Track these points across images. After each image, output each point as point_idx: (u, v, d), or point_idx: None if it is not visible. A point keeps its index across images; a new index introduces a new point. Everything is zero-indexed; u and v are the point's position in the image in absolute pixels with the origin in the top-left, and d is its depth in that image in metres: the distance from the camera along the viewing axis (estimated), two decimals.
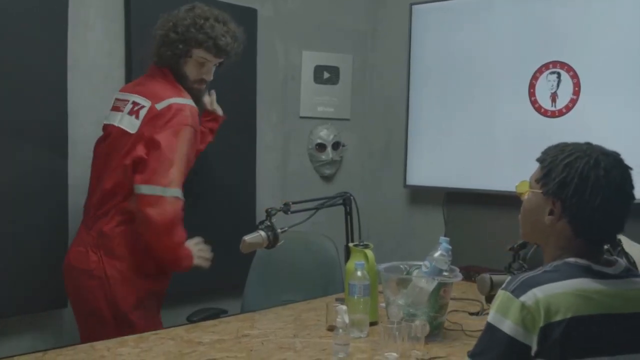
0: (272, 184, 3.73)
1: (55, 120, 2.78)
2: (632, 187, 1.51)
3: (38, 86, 2.72)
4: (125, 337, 2.12)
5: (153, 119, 2.44)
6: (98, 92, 2.92)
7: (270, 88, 3.70)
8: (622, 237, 2.29)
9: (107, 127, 2.59)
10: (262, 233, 2.29)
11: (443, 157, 3.66)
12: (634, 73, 3.01)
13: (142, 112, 2.47)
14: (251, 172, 3.59)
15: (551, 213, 1.52)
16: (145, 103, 2.48)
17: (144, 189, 2.37)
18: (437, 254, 2.13)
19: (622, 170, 1.50)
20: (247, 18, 3.51)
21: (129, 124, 2.48)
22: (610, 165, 1.48)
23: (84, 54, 2.92)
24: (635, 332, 1.46)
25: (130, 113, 2.50)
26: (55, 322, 2.90)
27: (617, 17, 3.06)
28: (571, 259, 1.49)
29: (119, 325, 2.40)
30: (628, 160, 3.09)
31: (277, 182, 3.78)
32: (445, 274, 2.14)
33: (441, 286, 2.12)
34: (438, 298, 2.12)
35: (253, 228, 2.32)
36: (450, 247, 2.15)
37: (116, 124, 2.52)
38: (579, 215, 1.48)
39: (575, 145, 1.53)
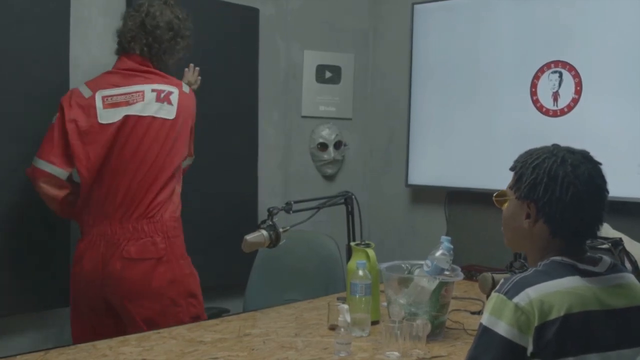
0: (273, 183, 3.73)
1: None
2: (603, 180, 1.53)
3: (39, 84, 2.72)
4: (127, 336, 2.12)
5: (186, 101, 2.61)
6: None
7: (272, 87, 3.70)
8: (624, 237, 2.29)
9: (118, 122, 2.52)
10: (264, 232, 2.29)
11: (445, 156, 3.66)
12: (635, 72, 3.01)
13: (174, 98, 2.58)
14: (253, 172, 3.59)
15: (528, 217, 1.55)
16: (172, 89, 2.59)
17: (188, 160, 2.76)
18: (438, 253, 2.13)
19: (590, 165, 1.53)
20: (249, 17, 3.52)
21: (166, 112, 2.55)
22: (577, 161, 1.51)
23: (86, 52, 2.92)
24: (628, 327, 1.48)
25: (161, 100, 2.56)
26: (57, 321, 2.90)
27: (618, 16, 3.06)
28: (557, 257, 1.51)
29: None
30: (630, 159, 3.10)
31: (279, 182, 3.78)
32: (446, 273, 2.13)
33: (443, 285, 2.11)
34: (439, 297, 2.12)
35: (255, 227, 2.32)
36: (451, 246, 2.15)
37: (148, 115, 2.53)
38: (553, 213, 1.50)
39: (543, 148, 1.57)
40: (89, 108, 2.53)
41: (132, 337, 2.11)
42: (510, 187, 1.60)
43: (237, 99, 3.46)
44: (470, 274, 2.86)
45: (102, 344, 2.02)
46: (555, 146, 1.56)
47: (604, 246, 2.11)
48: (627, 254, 2.10)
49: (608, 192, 1.53)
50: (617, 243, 2.09)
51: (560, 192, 1.48)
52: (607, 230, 2.49)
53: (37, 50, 2.71)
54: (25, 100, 2.69)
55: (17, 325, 2.79)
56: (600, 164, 1.54)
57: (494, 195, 1.66)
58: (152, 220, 2.51)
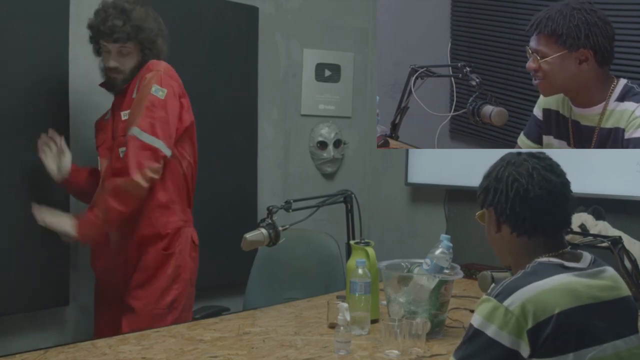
0: (273, 182, 3.74)
1: (56, 118, 2.78)
2: (553, 173, 1.56)
3: (39, 83, 2.72)
4: (127, 335, 2.12)
5: None
6: (99, 89, 2.92)
7: (272, 86, 3.70)
8: (623, 235, 2.29)
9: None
10: (264, 231, 2.29)
11: (444, 154, 3.66)
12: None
13: None
14: (252, 170, 3.59)
15: (497, 226, 1.60)
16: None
17: None
18: (438, 252, 2.13)
19: (536, 160, 1.57)
20: (249, 16, 3.52)
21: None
22: (521, 159, 1.57)
23: (85, 51, 2.92)
24: (617, 318, 1.50)
25: None
26: (57, 320, 2.91)
27: None
28: (543, 259, 1.53)
29: None
30: (630, 158, 3.08)
31: (279, 180, 3.78)
32: (446, 271, 2.14)
33: (442, 284, 2.12)
34: (439, 295, 2.12)
35: (254, 226, 2.32)
36: (451, 244, 2.15)
37: None
38: (507, 210, 1.56)
39: (497, 161, 1.65)
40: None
41: (132, 336, 2.11)
42: (479, 204, 1.67)
43: (237, 98, 3.46)
44: (470, 272, 2.87)
45: (101, 342, 2.03)
46: (510, 154, 1.62)
47: (603, 244, 2.11)
48: (627, 252, 2.09)
49: (564, 184, 1.57)
50: (617, 241, 2.08)
51: (506, 189, 1.55)
52: (606, 229, 2.49)
53: (37, 50, 2.71)
54: (25, 100, 2.68)
55: (18, 324, 2.79)
56: (550, 159, 1.59)
57: (476, 215, 1.71)
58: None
